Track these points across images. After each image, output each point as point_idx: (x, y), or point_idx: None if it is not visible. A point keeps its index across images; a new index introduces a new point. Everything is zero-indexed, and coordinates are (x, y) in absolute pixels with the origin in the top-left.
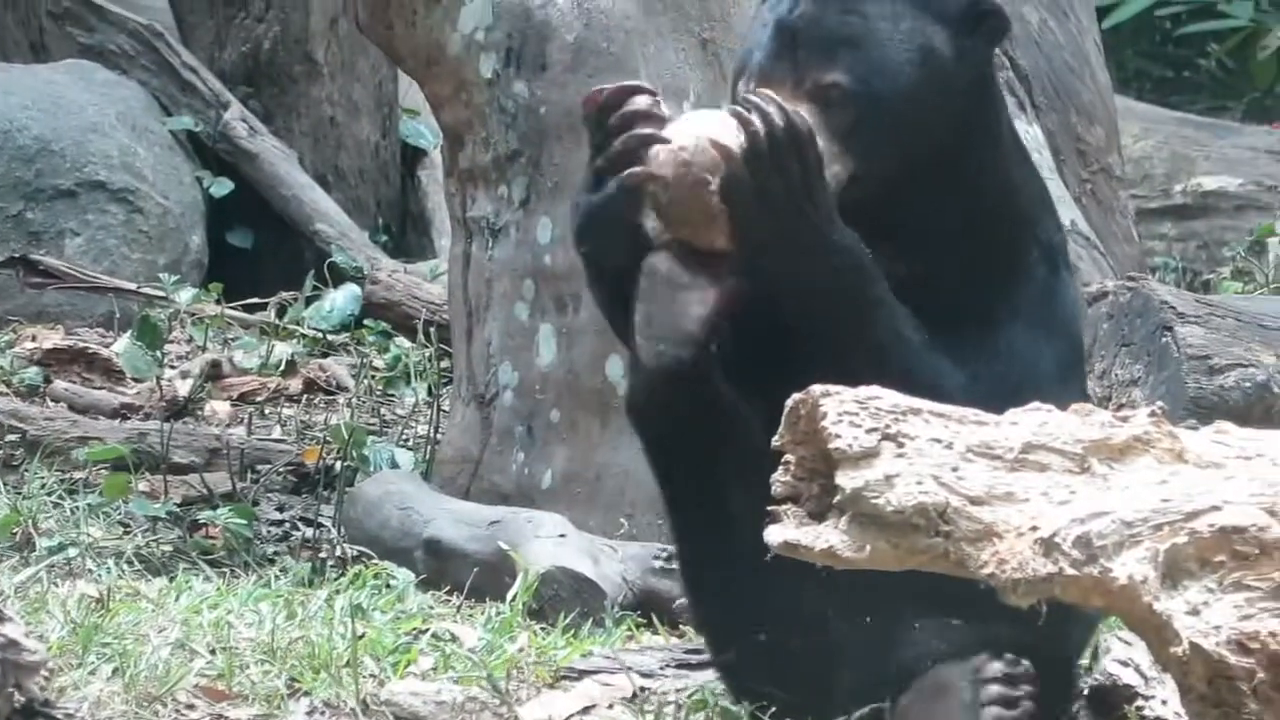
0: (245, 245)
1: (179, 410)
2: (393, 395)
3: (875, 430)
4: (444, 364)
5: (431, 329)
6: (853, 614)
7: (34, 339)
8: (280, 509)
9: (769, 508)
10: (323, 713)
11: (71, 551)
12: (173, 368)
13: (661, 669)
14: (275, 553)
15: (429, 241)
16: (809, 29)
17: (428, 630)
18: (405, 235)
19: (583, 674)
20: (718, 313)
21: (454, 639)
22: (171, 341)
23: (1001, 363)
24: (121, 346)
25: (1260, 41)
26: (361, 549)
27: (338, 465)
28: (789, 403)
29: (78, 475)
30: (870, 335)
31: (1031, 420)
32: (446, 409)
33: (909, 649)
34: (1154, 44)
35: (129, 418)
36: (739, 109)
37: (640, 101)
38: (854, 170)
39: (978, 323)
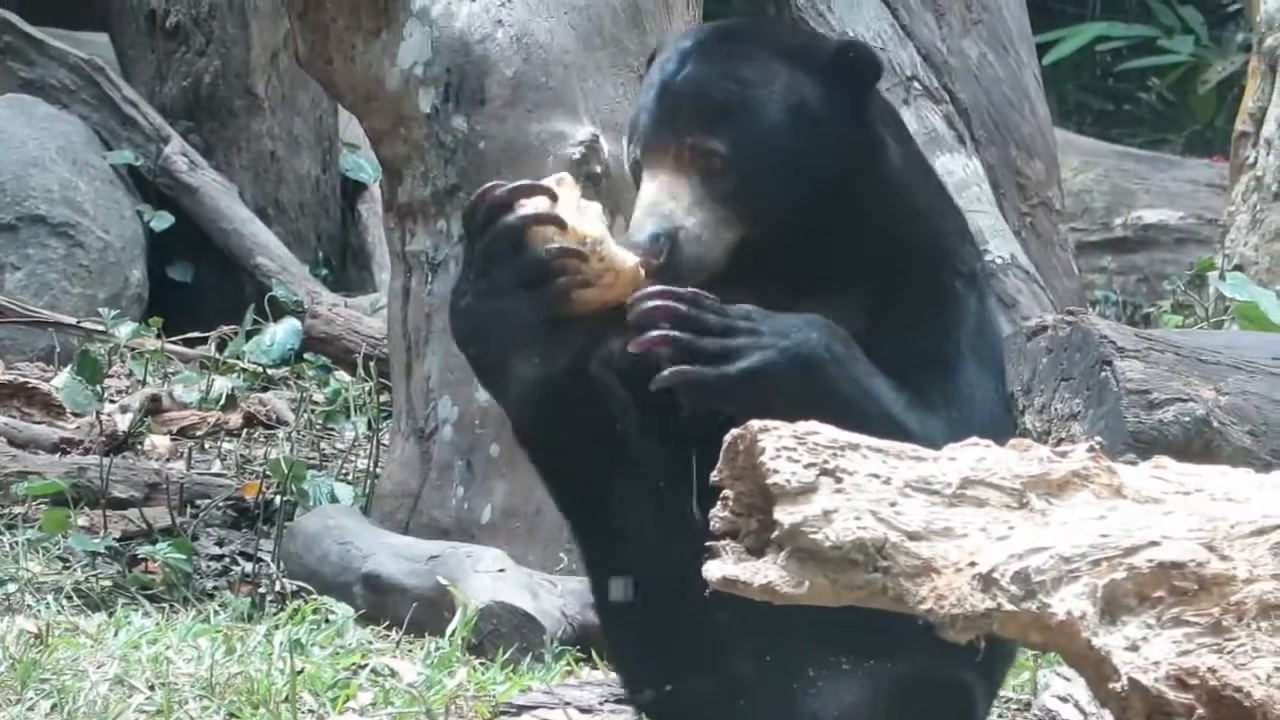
0: (186, 279)
1: (119, 445)
2: (333, 429)
3: (813, 465)
4: (384, 398)
5: (371, 363)
6: (759, 655)
7: None
8: (220, 544)
9: (707, 543)
10: None
11: (10, 587)
12: (113, 402)
13: (600, 704)
14: (214, 588)
15: (369, 275)
16: (689, 96)
17: (367, 665)
18: (345, 269)
19: (522, 709)
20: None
21: (393, 674)
22: (111, 376)
23: (966, 405)
24: (61, 381)
25: (1200, 76)
26: (301, 584)
27: (277, 500)
28: (727, 438)
29: (17, 510)
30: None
31: (970, 455)
32: (386, 443)
33: (815, 693)
34: (1095, 78)
35: (69, 452)
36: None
37: (542, 204)
38: (743, 233)
39: (934, 369)
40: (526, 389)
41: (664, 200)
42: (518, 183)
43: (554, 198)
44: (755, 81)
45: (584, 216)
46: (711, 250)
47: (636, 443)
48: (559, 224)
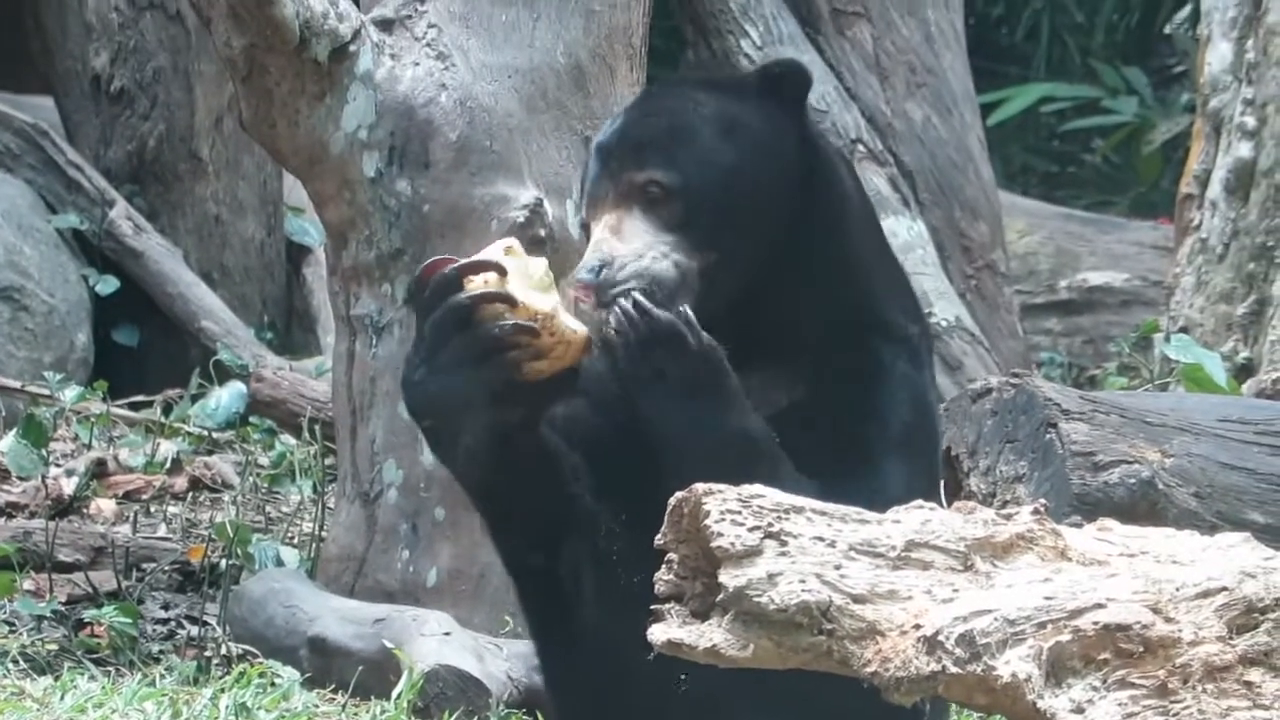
0: (131, 343)
1: (64, 509)
2: (278, 493)
3: (758, 528)
4: (329, 461)
5: (317, 426)
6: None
7: None
8: (165, 607)
9: (652, 606)
10: None
11: None
12: (58, 466)
13: None
14: (160, 651)
15: (314, 339)
16: (620, 143)
17: None
18: (290, 332)
19: None
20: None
21: None
22: (57, 439)
23: (886, 504)
24: (6, 444)
25: (1145, 137)
26: (247, 647)
27: (223, 563)
28: (671, 501)
29: None
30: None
31: (914, 518)
32: (332, 506)
33: None
34: (1039, 139)
35: (14, 516)
36: (606, 335)
37: (491, 279)
38: (701, 263)
39: (862, 462)
40: (479, 444)
41: (606, 239)
42: (464, 260)
43: (502, 273)
44: (682, 110)
45: (532, 286)
46: (655, 267)
47: (586, 505)
48: (509, 301)
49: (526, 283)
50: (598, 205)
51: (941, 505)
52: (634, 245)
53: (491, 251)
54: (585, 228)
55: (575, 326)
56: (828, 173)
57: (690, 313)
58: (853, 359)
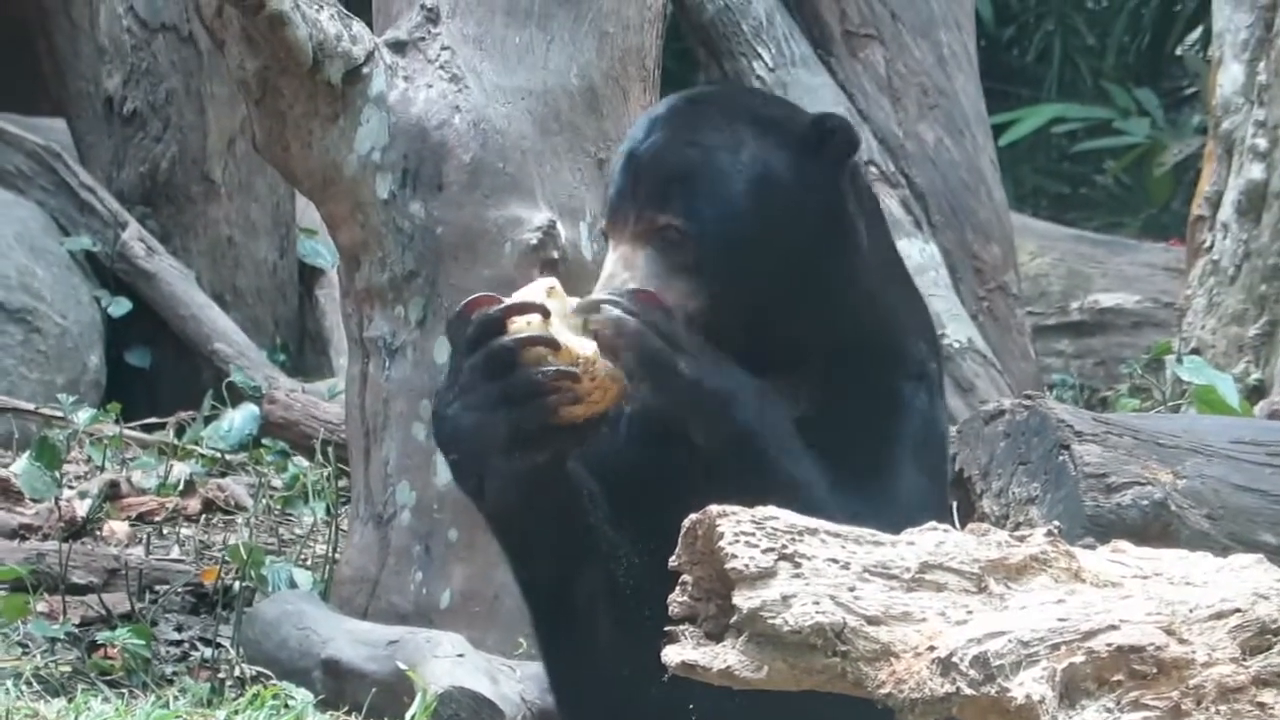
0: (143, 365)
1: (77, 531)
2: (291, 515)
3: (772, 550)
4: (342, 483)
5: (329, 448)
6: None
7: None
8: (179, 629)
9: (666, 628)
10: None
11: None
12: (71, 488)
13: None
14: (174, 673)
15: (327, 360)
16: (650, 165)
17: None
18: (303, 354)
19: None
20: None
21: None
22: (70, 461)
23: (894, 509)
24: (20, 467)
25: (1156, 158)
26: (260, 669)
27: (236, 585)
28: (685, 523)
29: None
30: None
31: (928, 540)
32: (345, 528)
33: None
34: (1050, 161)
35: (27, 538)
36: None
37: (535, 321)
38: (705, 303)
39: (870, 469)
40: (506, 482)
41: (619, 273)
42: (509, 301)
43: (546, 315)
44: (719, 148)
45: (573, 333)
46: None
47: (604, 533)
48: (552, 345)
49: (567, 324)
50: (617, 227)
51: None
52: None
53: (534, 291)
54: (606, 236)
55: (614, 373)
56: (853, 230)
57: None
58: (871, 391)
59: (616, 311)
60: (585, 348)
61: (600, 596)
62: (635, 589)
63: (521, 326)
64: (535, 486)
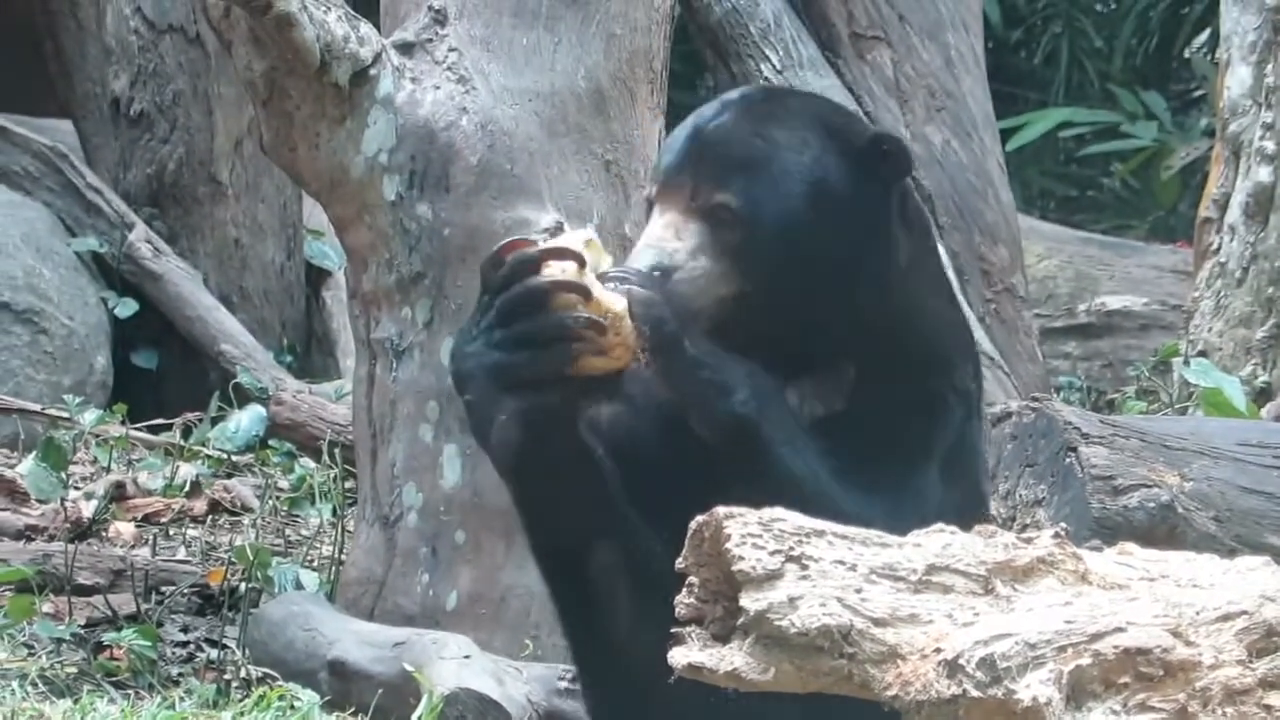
0: (150, 366)
1: (83, 532)
2: (298, 516)
3: (779, 552)
4: (349, 485)
5: (336, 450)
6: None
7: None
8: (185, 630)
9: (673, 629)
10: None
11: None
12: (77, 489)
13: None
14: (180, 674)
15: (334, 362)
16: (715, 144)
17: None
18: (310, 356)
19: None
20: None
21: None
22: (76, 463)
23: (913, 499)
24: (26, 468)
25: (1163, 161)
26: (266, 670)
27: (242, 586)
28: (692, 525)
29: None
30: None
31: (935, 542)
32: (351, 530)
33: None
34: (1058, 164)
35: (33, 539)
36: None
37: (570, 269)
38: (739, 287)
39: (895, 463)
40: (516, 421)
41: (669, 239)
42: (549, 244)
43: (582, 264)
44: (784, 145)
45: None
46: (703, 296)
47: (621, 509)
48: (585, 294)
49: (600, 270)
50: (668, 195)
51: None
52: (695, 262)
53: (572, 240)
54: (649, 203)
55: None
56: (894, 247)
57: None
58: (910, 395)
59: (646, 291)
60: (616, 303)
61: (617, 570)
62: (653, 572)
63: (556, 272)
64: (547, 432)
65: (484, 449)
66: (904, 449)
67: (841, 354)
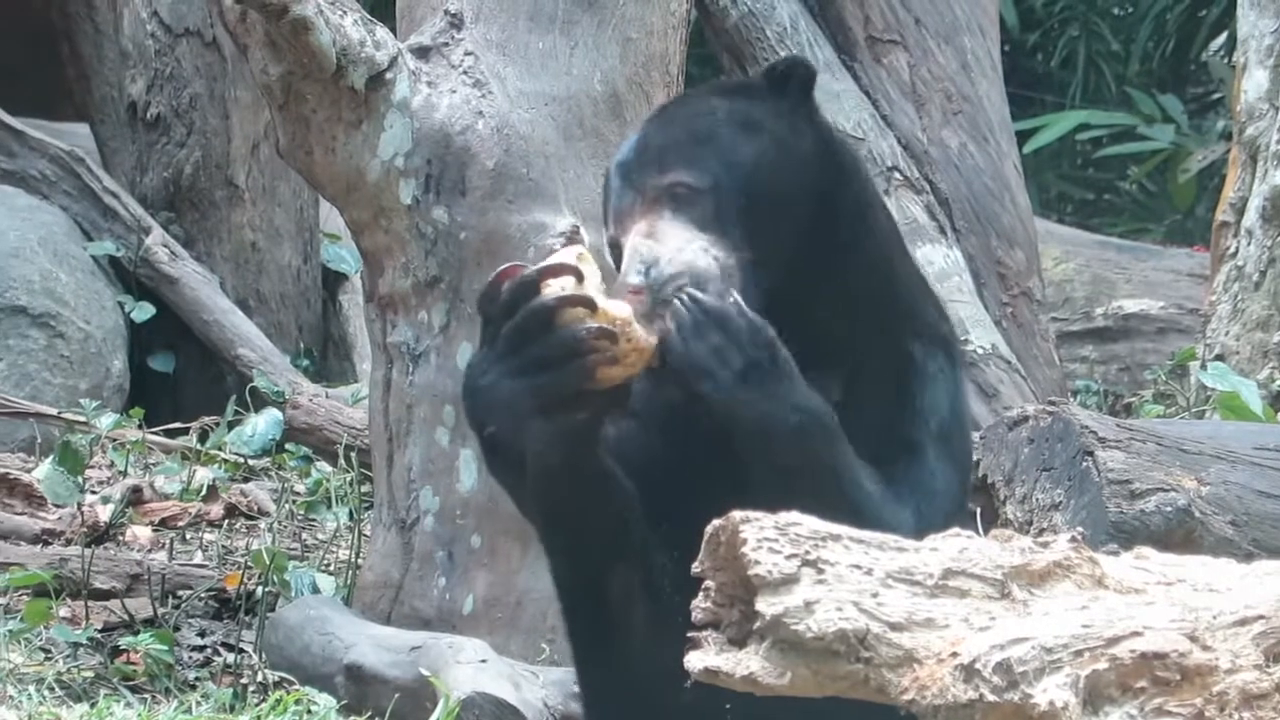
0: (167, 370)
1: (100, 536)
2: (314, 520)
3: (795, 556)
4: (365, 489)
5: (353, 453)
6: None
7: None
8: (202, 634)
9: (689, 634)
10: None
11: None
12: (94, 493)
13: None
14: (197, 678)
15: (351, 366)
16: (640, 154)
17: None
18: (327, 359)
19: None
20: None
21: None
22: (93, 467)
23: (931, 498)
24: (43, 472)
25: (1180, 164)
26: (283, 674)
27: (259, 590)
28: (709, 529)
29: None
30: (829, 480)
31: (951, 546)
32: (368, 534)
33: None
34: (1075, 167)
35: (50, 543)
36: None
37: (569, 283)
38: (739, 256)
39: (904, 456)
40: (546, 445)
41: (642, 243)
42: (544, 263)
43: (580, 277)
44: (697, 115)
45: (609, 295)
46: (699, 262)
47: (640, 531)
48: (589, 305)
49: (600, 288)
50: (625, 217)
51: (976, 526)
52: (672, 244)
53: (564, 257)
54: (614, 246)
55: (648, 334)
56: (845, 163)
57: (738, 296)
58: (890, 359)
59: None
60: (620, 310)
61: (635, 594)
62: (669, 589)
63: (556, 289)
64: (574, 451)
65: (505, 484)
66: (905, 433)
67: (832, 340)
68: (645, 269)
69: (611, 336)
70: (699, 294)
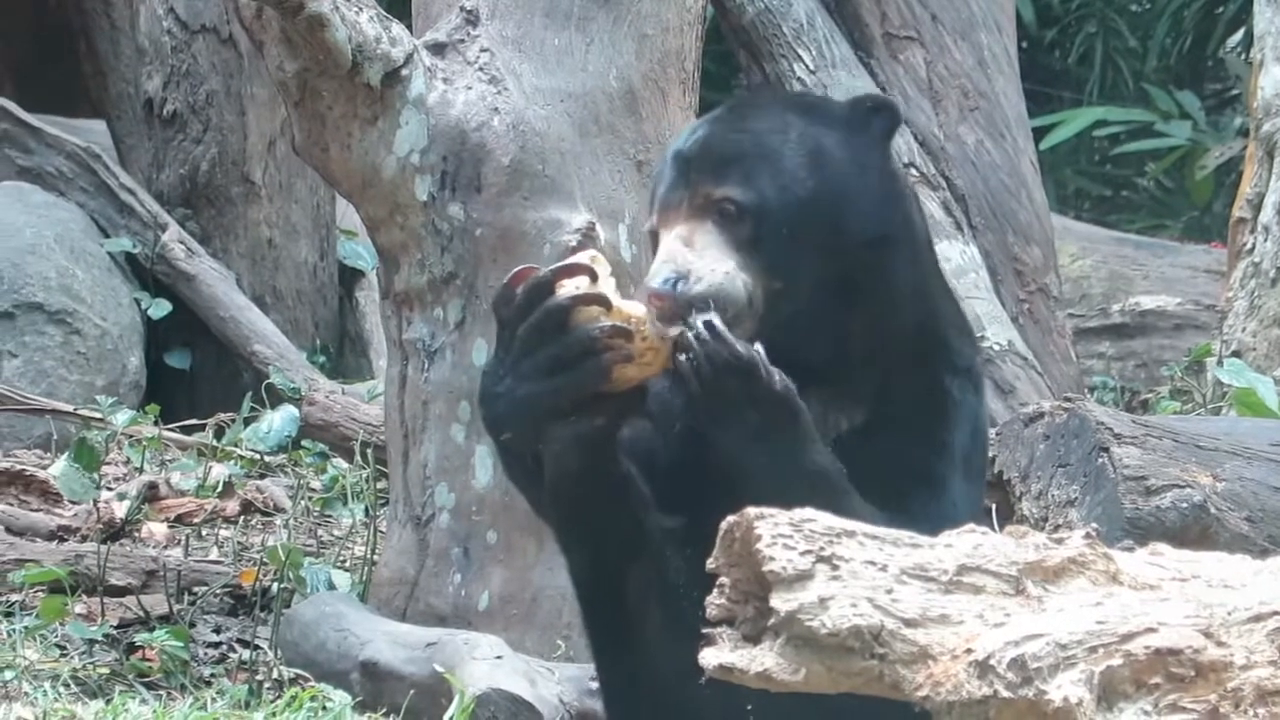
0: (183, 366)
1: (116, 532)
2: (330, 516)
3: (810, 553)
4: (381, 485)
5: (369, 450)
6: None
7: None
8: (217, 631)
9: (704, 630)
10: None
11: (8, 674)
12: (110, 489)
13: None
14: (212, 675)
15: (367, 362)
16: (700, 153)
17: None
18: (343, 356)
19: None
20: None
21: None
22: (109, 463)
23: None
24: (59, 468)
25: (1198, 160)
26: (298, 671)
27: (274, 587)
28: (723, 525)
29: (14, 598)
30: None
31: (966, 543)
32: (383, 530)
33: None
34: (1092, 163)
35: (66, 540)
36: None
37: (583, 283)
38: (766, 288)
39: (925, 484)
40: (566, 447)
41: (678, 249)
42: (558, 264)
43: (594, 277)
44: (769, 130)
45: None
46: (726, 286)
47: (656, 531)
48: (604, 303)
49: (614, 290)
50: (670, 214)
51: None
52: (706, 260)
53: (578, 258)
54: (653, 234)
55: (663, 332)
56: (907, 211)
57: (762, 350)
58: (920, 388)
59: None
60: (636, 309)
61: (651, 592)
62: (683, 587)
63: (571, 289)
64: (592, 455)
65: (521, 486)
66: (930, 465)
67: (857, 359)
68: (674, 279)
69: (627, 334)
70: (725, 332)
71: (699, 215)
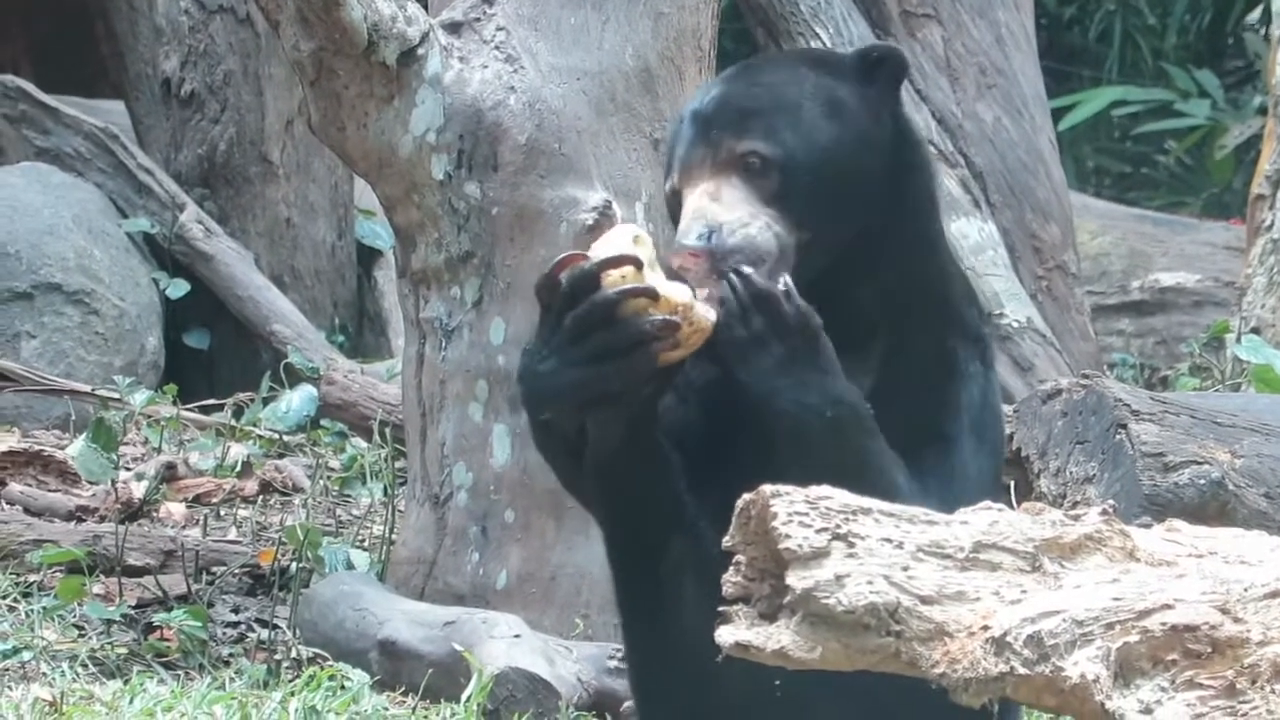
0: (201, 346)
1: (134, 512)
2: (348, 496)
3: (825, 530)
4: (399, 464)
5: (387, 429)
6: None
7: None
8: (235, 610)
9: (720, 608)
10: None
11: (26, 655)
12: (128, 470)
13: None
14: (230, 655)
15: (385, 341)
16: (719, 110)
17: None
18: (362, 335)
19: None
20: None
21: None
22: (127, 443)
23: (962, 489)
24: (77, 449)
25: (1217, 139)
26: (317, 650)
27: (293, 566)
28: (739, 503)
29: (32, 578)
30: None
31: (982, 519)
32: (402, 509)
33: None
34: (1112, 141)
35: (84, 520)
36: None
37: (629, 273)
38: (798, 237)
39: (936, 446)
40: (610, 426)
41: (706, 205)
42: (604, 255)
43: (639, 266)
44: (784, 82)
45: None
46: (760, 239)
47: (691, 507)
48: (653, 296)
49: (657, 272)
50: (693, 172)
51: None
52: (737, 214)
53: (620, 240)
54: (675, 194)
55: (707, 313)
56: (919, 159)
57: (791, 281)
58: (932, 354)
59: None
60: (681, 294)
61: (686, 565)
62: (715, 562)
63: (616, 280)
64: (634, 431)
65: (556, 464)
66: (939, 425)
67: (874, 321)
68: (708, 233)
69: (674, 327)
70: (752, 274)
71: (724, 171)
